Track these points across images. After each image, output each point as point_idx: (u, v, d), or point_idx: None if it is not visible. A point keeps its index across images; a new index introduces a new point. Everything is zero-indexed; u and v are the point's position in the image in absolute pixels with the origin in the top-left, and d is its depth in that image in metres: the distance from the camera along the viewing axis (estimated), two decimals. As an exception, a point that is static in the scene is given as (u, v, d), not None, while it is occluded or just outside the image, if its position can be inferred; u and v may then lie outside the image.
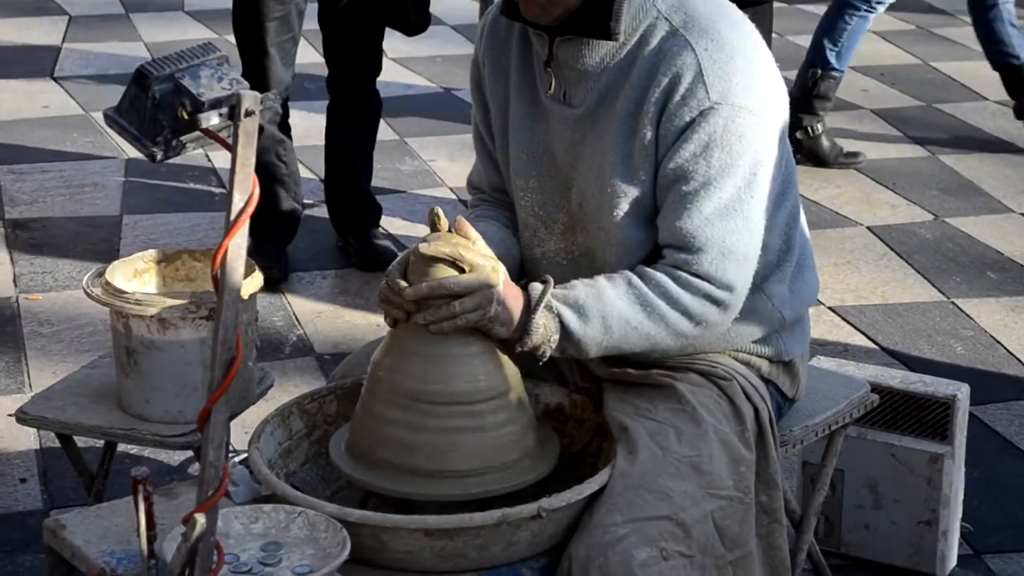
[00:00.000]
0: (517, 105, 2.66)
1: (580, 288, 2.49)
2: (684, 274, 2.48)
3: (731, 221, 2.47)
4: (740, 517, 2.48)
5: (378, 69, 5.05)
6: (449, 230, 2.47)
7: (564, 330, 2.47)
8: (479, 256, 2.43)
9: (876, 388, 3.16)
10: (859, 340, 4.61)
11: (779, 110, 2.54)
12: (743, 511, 2.49)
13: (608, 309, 2.47)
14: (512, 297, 2.45)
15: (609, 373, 2.66)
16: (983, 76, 7.16)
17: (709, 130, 2.44)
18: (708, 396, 2.58)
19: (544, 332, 2.45)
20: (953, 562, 3.46)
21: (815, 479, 3.04)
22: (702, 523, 2.42)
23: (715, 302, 2.49)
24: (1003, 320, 4.77)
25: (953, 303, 4.90)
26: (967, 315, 4.81)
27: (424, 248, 2.42)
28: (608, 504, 2.39)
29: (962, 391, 3.39)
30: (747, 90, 2.46)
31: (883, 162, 6.22)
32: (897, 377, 3.48)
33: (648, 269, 2.50)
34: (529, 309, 2.45)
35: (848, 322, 4.73)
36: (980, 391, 4.19)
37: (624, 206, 2.52)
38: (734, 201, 2.47)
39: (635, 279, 2.49)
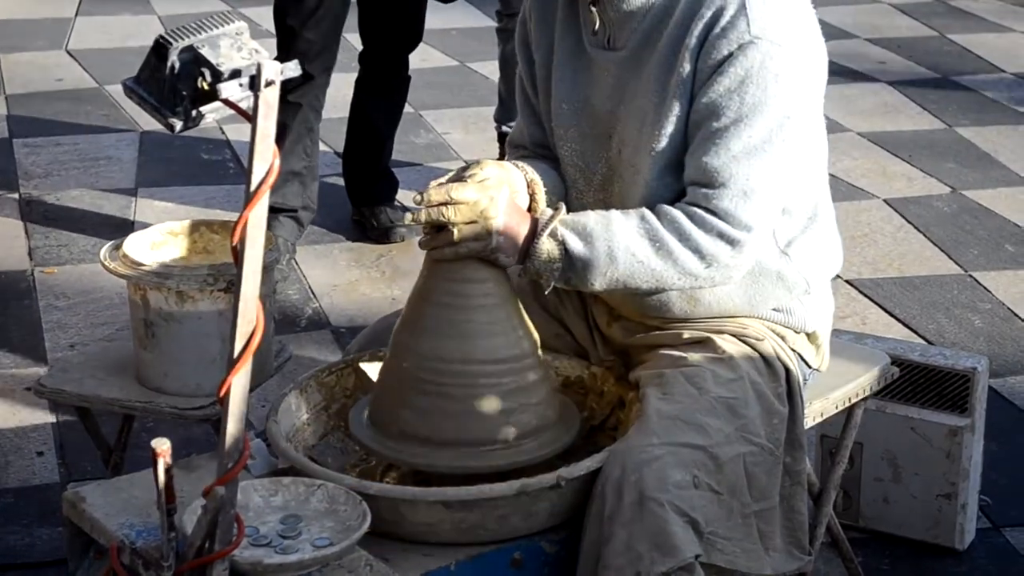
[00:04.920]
0: (561, 55, 2.65)
1: (591, 216, 2.48)
2: (699, 211, 2.45)
3: (758, 161, 2.44)
4: (769, 468, 2.49)
5: (419, 38, 5.01)
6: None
7: (567, 256, 2.45)
8: (472, 190, 2.43)
9: (896, 361, 3.14)
10: (876, 313, 4.60)
11: (819, 61, 2.52)
12: (772, 463, 2.50)
13: (615, 240, 2.44)
14: (516, 224, 2.45)
15: (637, 339, 2.65)
16: (1000, 48, 7.14)
17: (747, 64, 2.42)
18: (742, 351, 2.59)
19: (547, 257, 2.44)
20: (972, 535, 3.46)
21: (834, 452, 3.03)
22: (734, 463, 2.43)
23: (729, 241, 2.45)
24: (1021, 292, 4.75)
25: (971, 276, 4.88)
26: (985, 288, 4.79)
27: (414, 217, 2.44)
28: (644, 429, 2.40)
29: (982, 364, 3.37)
30: (789, 31, 2.45)
31: (899, 134, 6.19)
32: (916, 350, 3.47)
33: (665, 206, 2.48)
34: (535, 234, 2.44)
35: (865, 295, 4.71)
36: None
37: (659, 146, 2.50)
38: (764, 142, 2.44)
39: (648, 214, 2.47)
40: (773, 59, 2.42)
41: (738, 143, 2.43)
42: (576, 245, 2.45)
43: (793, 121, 2.46)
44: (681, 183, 2.52)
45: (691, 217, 2.45)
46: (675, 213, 2.46)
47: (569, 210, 2.62)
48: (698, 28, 2.46)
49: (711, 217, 2.45)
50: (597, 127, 2.61)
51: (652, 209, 2.48)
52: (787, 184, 2.50)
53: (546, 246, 2.45)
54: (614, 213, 2.48)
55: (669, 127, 2.50)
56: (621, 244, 2.44)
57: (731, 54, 2.43)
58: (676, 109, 2.49)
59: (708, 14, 2.45)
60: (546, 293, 2.51)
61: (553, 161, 2.74)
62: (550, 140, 2.74)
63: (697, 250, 2.45)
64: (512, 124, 5.26)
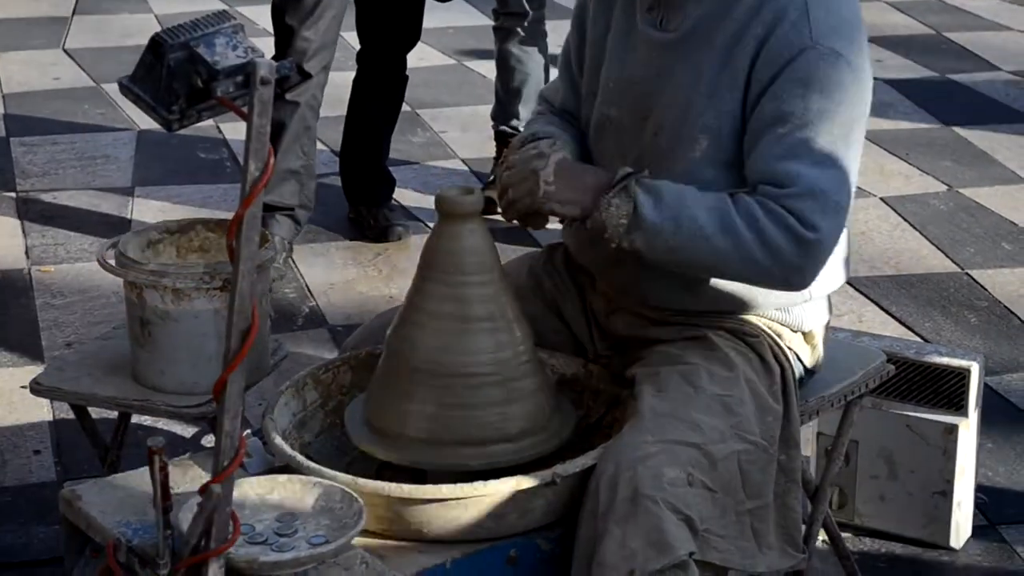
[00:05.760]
0: (616, 32, 2.67)
1: (666, 183, 2.48)
2: (771, 203, 2.44)
3: (826, 168, 2.44)
4: (763, 466, 2.49)
5: (417, 38, 5.02)
6: None
7: (636, 215, 2.44)
8: (520, 150, 2.55)
9: (892, 358, 3.14)
10: (873, 311, 4.60)
11: (869, 70, 2.53)
12: (766, 461, 2.50)
13: (685, 208, 2.44)
14: (575, 176, 2.51)
15: (636, 331, 2.66)
16: (997, 46, 7.15)
17: (809, 71, 2.44)
18: (738, 349, 2.59)
19: (615, 212, 2.44)
20: (968, 533, 3.46)
21: (830, 450, 3.03)
22: (728, 460, 2.43)
23: (796, 237, 2.43)
24: (1018, 290, 4.76)
25: (967, 274, 4.88)
26: (981, 286, 4.79)
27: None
28: (638, 426, 2.41)
29: (978, 361, 3.38)
30: (850, 42, 2.47)
31: (896, 132, 6.20)
32: (912, 348, 3.47)
33: (742, 195, 2.47)
34: (610, 186, 2.46)
35: (862, 293, 4.71)
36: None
37: (704, 142, 2.52)
38: (830, 149, 2.45)
39: (724, 196, 2.47)
40: (835, 68, 2.44)
41: (805, 148, 2.44)
42: (646, 204, 2.44)
43: (856, 128, 2.48)
44: (715, 176, 2.52)
45: (763, 206, 2.44)
46: (748, 200, 2.45)
47: None
48: (756, 29, 2.47)
49: (781, 211, 2.43)
50: (636, 107, 2.61)
51: (728, 193, 2.48)
52: (852, 189, 2.50)
53: (616, 200, 2.45)
54: (692, 187, 2.48)
55: (715, 126, 2.51)
56: (689, 214, 2.44)
57: (792, 59, 2.44)
58: (725, 109, 2.50)
59: (769, 16, 2.46)
60: (612, 246, 2.49)
61: (574, 128, 2.77)
62: (583, 114, 2.75)
63: (762, 237, 2.43)
64: (508, 123, 5.31)
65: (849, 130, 2.47)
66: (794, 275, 2.47)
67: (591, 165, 2.60)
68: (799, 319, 2.69)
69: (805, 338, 2.72)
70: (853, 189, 2.50)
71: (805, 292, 2.62)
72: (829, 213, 2.44)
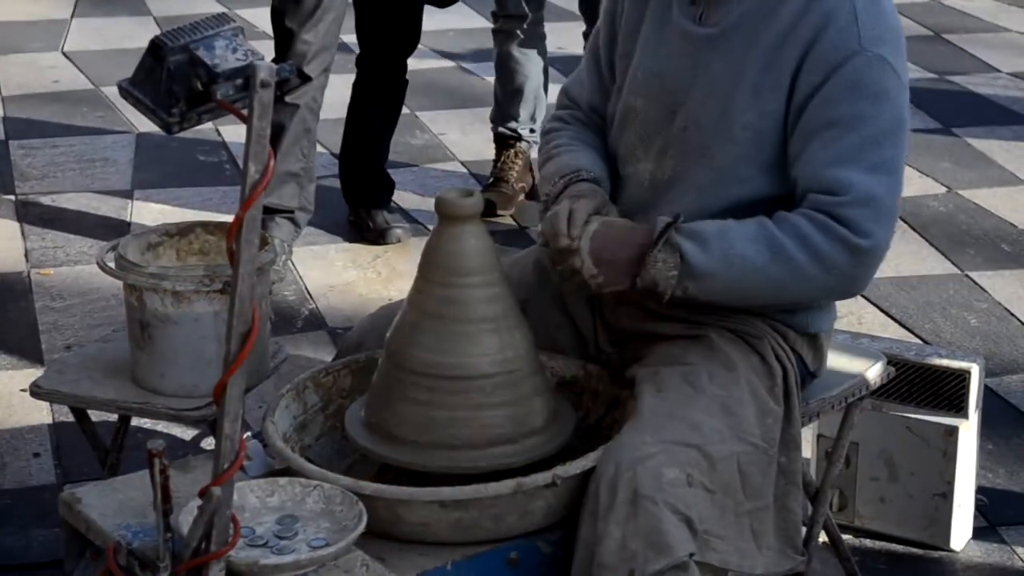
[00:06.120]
0: (650, 24, 2.66)
1: (707, 224, 2.48)
2: (823, 216, 2.44)
3: (877, 173, 2.45)
4: (763, 467, 2.49)
5: (416, 43, 5.02)
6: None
7: (685, 263, 2.44)
8: (562, 234, 2.50)
9: (892, 360, 3.14)
10: (873, 313, 4.60)
11: (907, 83, 2.54)
12: (766, 462, 2.50)
13: (732, 246, 2.44)
14: (614, 254, 2.49)
15: (640, 325, 2.66)
16: (995, 48, 7.14)
17: (859, 76, 2.45)
18: (739, 350, 2.59)
19: (663, 267, 2.44)
20: (968, 535, 3.46)
21: (831, 452, 3.03)
22: (728, 461, 2.43)
23: (851, 249, 2.44)
24: (1017, 292, 4.76)
25: (967, 276, 4.88)
26: (981, 288, 4.79)
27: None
28: (638, 427, 2.41)
29: (978, 363, 3.38)
30: (894, 49, 2.50)
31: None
32: (913, 349, 3.47)
33: (785, 213, 2.48)
34: (651, 244, 2.45)
35: (861, 294, 4.70)
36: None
37: (744, 140, 2.52)
38: (881, 153, 2.46)
39: (766, 220, 2.47)
40: (882, 74, 2.46)
41: (855, 153, 2.45)
42: (692, 251, 2.44)
43: (903, 131, 2.50)
44: (751, 173, 2.53)
45: (812, 221, 2.44)
46: (795, 218, 2.46)
47: (621, 172, 2.64)
48: (803, 31, 2.48)
49: (833, 223, 2.44)
50: (664, 98, 2.61)
51: (772, 217, 2.48)
52: (901, 191, 2.51)
53: (662, 255, 2.45)
54: (730, 221, 2.48)
55: (755, 124, 2.51)
56: (738, 250, 2.44)
57: (840, 64, 2.45)
58: (767, 108, 2.51)
59: (815, 19, 2.47)
60: (663, 302, 2.49)
61: (599, 134, 2.76)
62: (610, 109, 2.74)
63: (817, 255, 2.44)
64: (507, 126, 5.31)
65: (897, 135, 2.48)
66: (850, 283, 2.51)
67: (621, 224, 2.54)
68: (804, 321, 2.68)
69: (810, 340, 2.72)
70: (902, 188, 2.52)
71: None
72: (883, 219, 2.46)
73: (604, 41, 2.78)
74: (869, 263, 2.48)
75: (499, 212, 5.21)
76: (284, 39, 4.74)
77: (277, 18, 4.76)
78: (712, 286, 2.47)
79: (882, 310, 4.62)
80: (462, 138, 6.08)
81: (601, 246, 2.49)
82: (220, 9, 7.69)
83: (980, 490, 3.53)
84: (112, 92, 6.42)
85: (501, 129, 5.35)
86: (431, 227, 2.68)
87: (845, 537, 3.26)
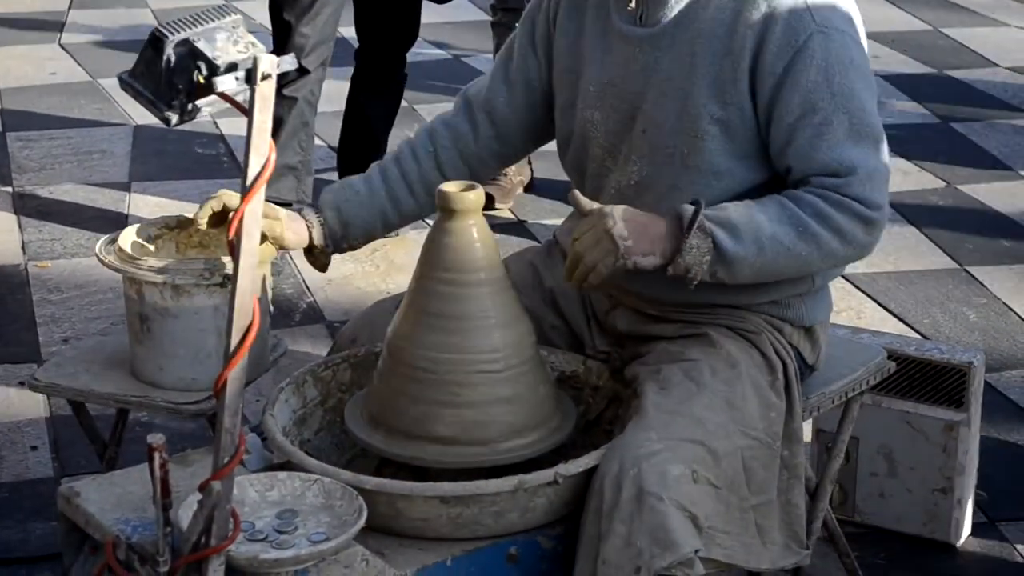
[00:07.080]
0: (591, 38, 2.66)
1: (731, 209, 2.49)
2: (835, 194, 2.48)
3: (869, 143, 2.50)
4: (766, 462, 2.49)
5: (415, 37, 5.01)
6: None
7: (717, 250, 2.45)
8: (586, 218, 2.48)
9: (892, 355, 3.14)
10: (872, 308, 4.59)
11: (865, 46, 2.58)
12: (770, 457, 2.50)
13: (761, 229, 2.46)
14: (644, 226, 2.46)
15: (636, 328, 2.65)
16: (994, 42, 7.13)
17: (823, 55, 2.48)
18: (739, 345, 2.60)
19: (697, 253, 2.45)
20: (968, 530, 3.45)
21: (830, 447, 3.02)
22: (732, 456, 2.43)
23: (866, 221, 2.50)
24: (1016, 287, 4.75)
25: (966, 270, 4.88)
26: (980, 282, 4.79)
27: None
28: (642, 424, 2.41)
29: (978, 358, 3.37)
30: (848, 20, 2.53)
31: (894, 129, 6.18)
32: (912, 344, 3.47)
33: (797, 191, 2.50)
34: (681, 230, 2.45)
35: (861, 290, 4.71)
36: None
37: (711, 131, 2.52)
38: (866, 124, 2.50)
39: (786, 200, 2.49)
40: (845, 46, 2.49)
41: (844, 131, 2.48)
42: (725, 239, 2.45)
43: (875, 90, 2.55)
44: (733, 165, 2.54)
45: (826, 199, 2.48)
46: (810, 198, 2.49)
47: (603, 186, 2.65)
48: (752, 17, 2.49)
49: (847, 199, 2.48)
50: (621, 107, 2.61)
51: (784, 195, 2.51)
52: (887, 146, 2.56)
53: (695, 241, 2.45)
54: (751, 203, 2.50)
55: (721, 116, 2.51)
56: (767, 232, 2.47)
57: (802, 46, 2.47)
58: (729, 97, 2.51)
59: (764, 5, 2.49)
60: (691, 287, 2.50)
61: (454, 165, 2.87)
62: (563, 127, 2.73)
63: (838, 231, 2.49)
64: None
65: (873, 98, 2.53)
66: (866, 251, 2.56)
67: (644, 212, 2.53)
68: (799, 314, 2.68)
69: (807, 333, 2.71)
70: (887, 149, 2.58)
71: (805, 284, 2.65)
72: (884, 185, 2.53)
73: (532, 64, 2.77)
74: (880, 228, 2.54)
75: (497, 205, 5.21)
76: (282, 32, 4.73)
77: (275, 11, 4.75)
78: (743, 269, 2.49)
79: (881, 305, 4.62)
80: (460, 131, 6.06)
81: (633, 214, 2.49)
82: (219, 1, 7.68)
83: (980, 485, 3.52)
84: (109, 84, 6.42)
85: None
86: (430, 220, 2.66)
87: (845, 532, 3.25)
